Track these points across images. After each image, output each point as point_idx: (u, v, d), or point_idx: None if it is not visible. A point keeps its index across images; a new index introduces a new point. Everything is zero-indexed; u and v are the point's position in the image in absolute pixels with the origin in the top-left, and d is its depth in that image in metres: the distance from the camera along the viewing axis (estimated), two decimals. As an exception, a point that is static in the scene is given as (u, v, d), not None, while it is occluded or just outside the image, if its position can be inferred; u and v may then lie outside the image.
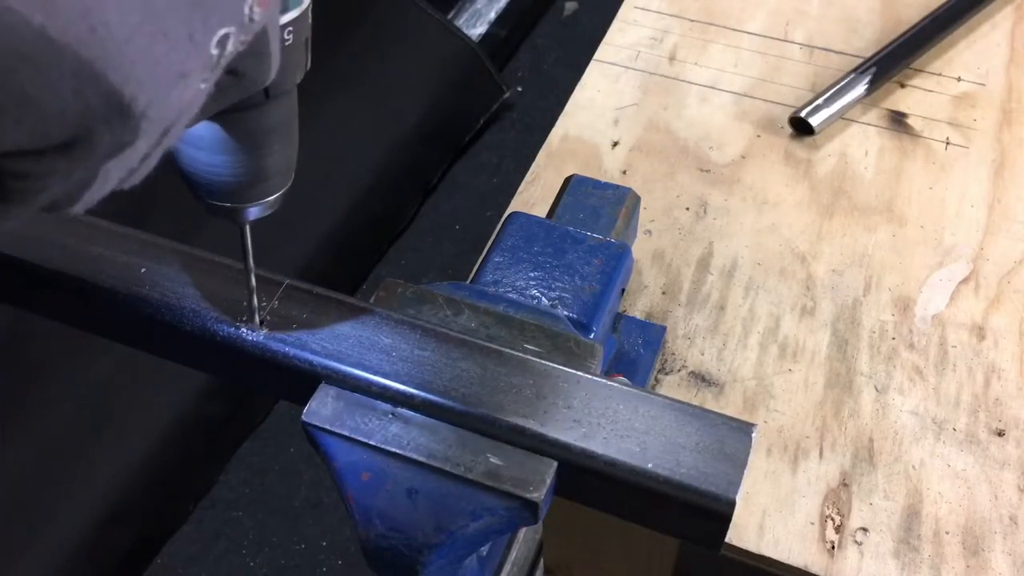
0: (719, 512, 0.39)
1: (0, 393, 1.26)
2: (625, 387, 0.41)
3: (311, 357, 0.42)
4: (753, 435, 0.40)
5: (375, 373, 0.42)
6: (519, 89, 1.96)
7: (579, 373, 0.42)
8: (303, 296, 0.44)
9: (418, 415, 0.41)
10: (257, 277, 0.43)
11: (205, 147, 0.36)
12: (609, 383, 0.41)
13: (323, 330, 0.43)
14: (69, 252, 0.45)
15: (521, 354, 0.43)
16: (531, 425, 0.40)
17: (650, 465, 0.39)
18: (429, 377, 0.41)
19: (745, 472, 0.39)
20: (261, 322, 0.43)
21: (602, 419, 0.40)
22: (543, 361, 0.42)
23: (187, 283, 0.44)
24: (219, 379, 0.49)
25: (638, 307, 0.70)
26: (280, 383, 0.44)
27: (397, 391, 0.41)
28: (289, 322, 0.43)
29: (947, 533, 0.59)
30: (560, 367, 0.42)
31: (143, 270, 0.45)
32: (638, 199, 0.64)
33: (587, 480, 0.40)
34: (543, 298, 0.51)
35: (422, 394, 0.41)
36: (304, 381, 0.42)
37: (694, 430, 0.40)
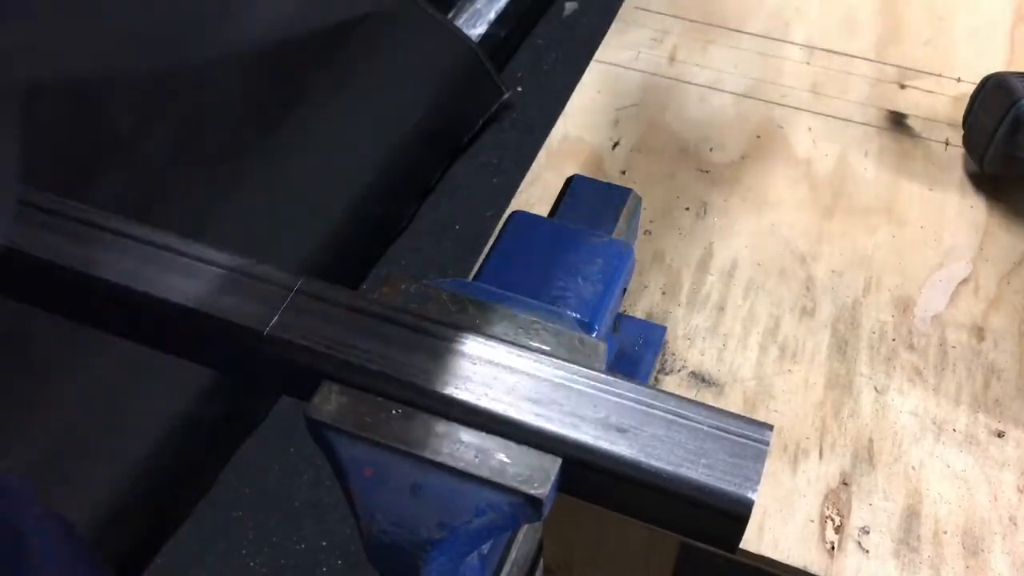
0: (736, 512, 0.38)
1: (0, 393, 1.26)
2: (636, 384, 0.41)
3: (315, 351, 0.42)
4: (770, 435, 0.40)
5: (380, 368, 0.42)
6: (519, 89, 1.96)
7: (585, 370, 0.42)
8: (307, 290, 0.44)
9: (422, 411, 0.41)
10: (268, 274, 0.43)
11: None
12: (618, 380, 0.41)
13: (327, 324, 0.43)
14: (72, 245, 0.45)
15: (527, 350, 0.43)
16: (538, 422, 0.40)
17: (663, 464, 0.39)
18: (434, 372, 0.42)
19: (763, 471, 0.39)
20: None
21: (612, 416, 0.40)
22: (549, 358, 0.42)
23: (191, 278, 0.44)
24: (222, 374, 0.49)
25: (638, 307, 0.70)
26: (283, 378, 0.44)
27: (402, 386, 0.41)
28: (294, 316, 0.43)
29: (946, 534, 0.59)
30: (567, 364, 0.42)
31: (147, 264, 0.45)
32: (639, 200, 0.64)
33: (600, 479, 0.40)
34: (546, 296, 0.51)
35: (427, 388, 0.41)
36: (308, 376, 0.42)
37: (709, 428, 0.40)
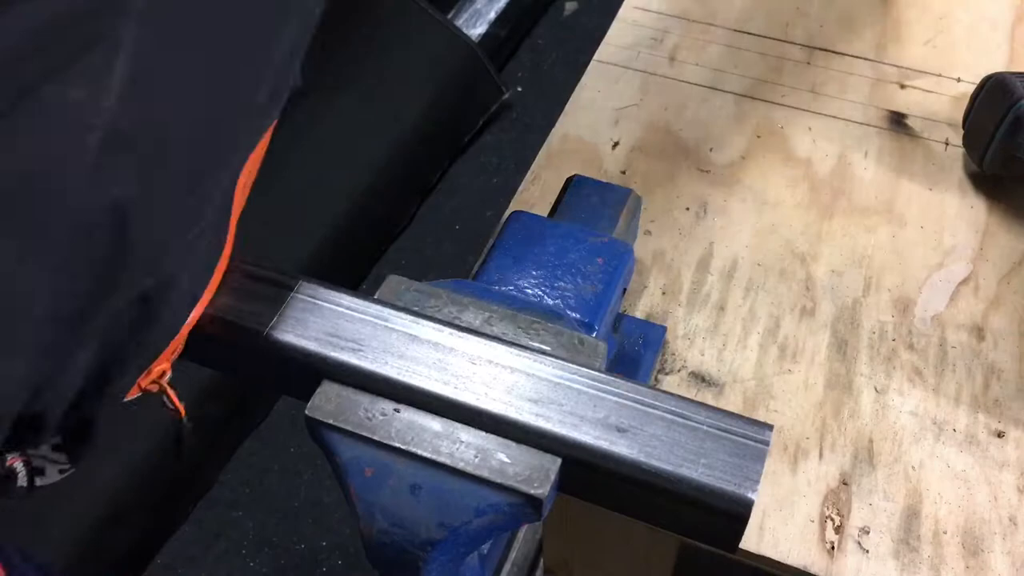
0: (736, 512, 0.38)
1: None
2: (636, 384, 0.41)
3: (315, 351, 0.42)
4: (770, 434, 0.40)
5: (380, 368, 0.42)
6: (519, 89, 1.96)
7: (585, 370, 0.42)
8: (307, 290, 0.44)
9: (422, 411, 0.41)
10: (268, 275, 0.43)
11: None
12: (618, 380, 0.41)
13: (327, 324, 0.43)
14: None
15: (527, 349, 0.43)
16: (538, 422, 0.40)
17: (663, 464, 0.39)
18: (434, 372, 0.42)
19: (763, 471, 0.39)
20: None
21: (612, 416, 0.40)
22: (549, 358, 0.42)
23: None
24: (222, 374, 0.49)
25: (638, 307, 0.70)
26: (283, 378, 0.44)
27: (402, 386, 0.41)
28: (294, 316, 0.43)
29: (946, 534, 0.59)
30: (567, 364, 0.42)
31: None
32: (639, 200, 0.64)
33: (600, 479, 0.40)
34: (546, 297, 0.51)
35: (427, 388, 0.41)
36: (308, 376, 0.42)
37: (708, 428, 0.40)
